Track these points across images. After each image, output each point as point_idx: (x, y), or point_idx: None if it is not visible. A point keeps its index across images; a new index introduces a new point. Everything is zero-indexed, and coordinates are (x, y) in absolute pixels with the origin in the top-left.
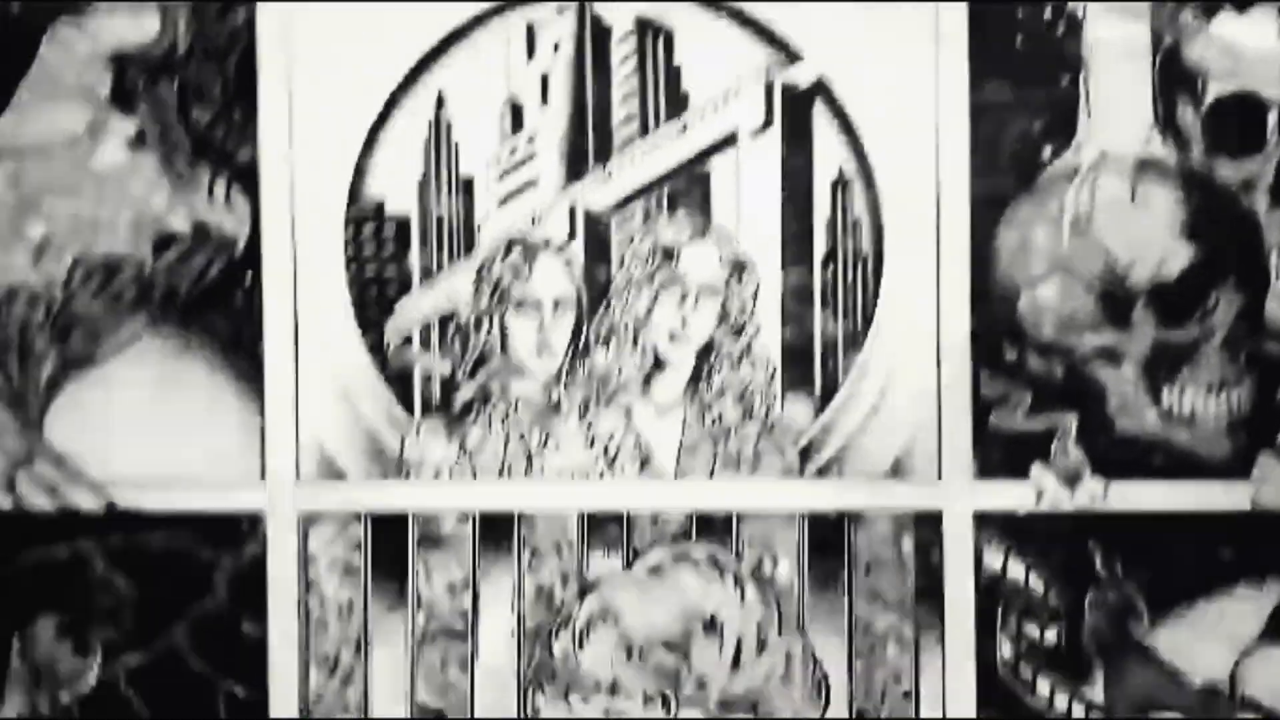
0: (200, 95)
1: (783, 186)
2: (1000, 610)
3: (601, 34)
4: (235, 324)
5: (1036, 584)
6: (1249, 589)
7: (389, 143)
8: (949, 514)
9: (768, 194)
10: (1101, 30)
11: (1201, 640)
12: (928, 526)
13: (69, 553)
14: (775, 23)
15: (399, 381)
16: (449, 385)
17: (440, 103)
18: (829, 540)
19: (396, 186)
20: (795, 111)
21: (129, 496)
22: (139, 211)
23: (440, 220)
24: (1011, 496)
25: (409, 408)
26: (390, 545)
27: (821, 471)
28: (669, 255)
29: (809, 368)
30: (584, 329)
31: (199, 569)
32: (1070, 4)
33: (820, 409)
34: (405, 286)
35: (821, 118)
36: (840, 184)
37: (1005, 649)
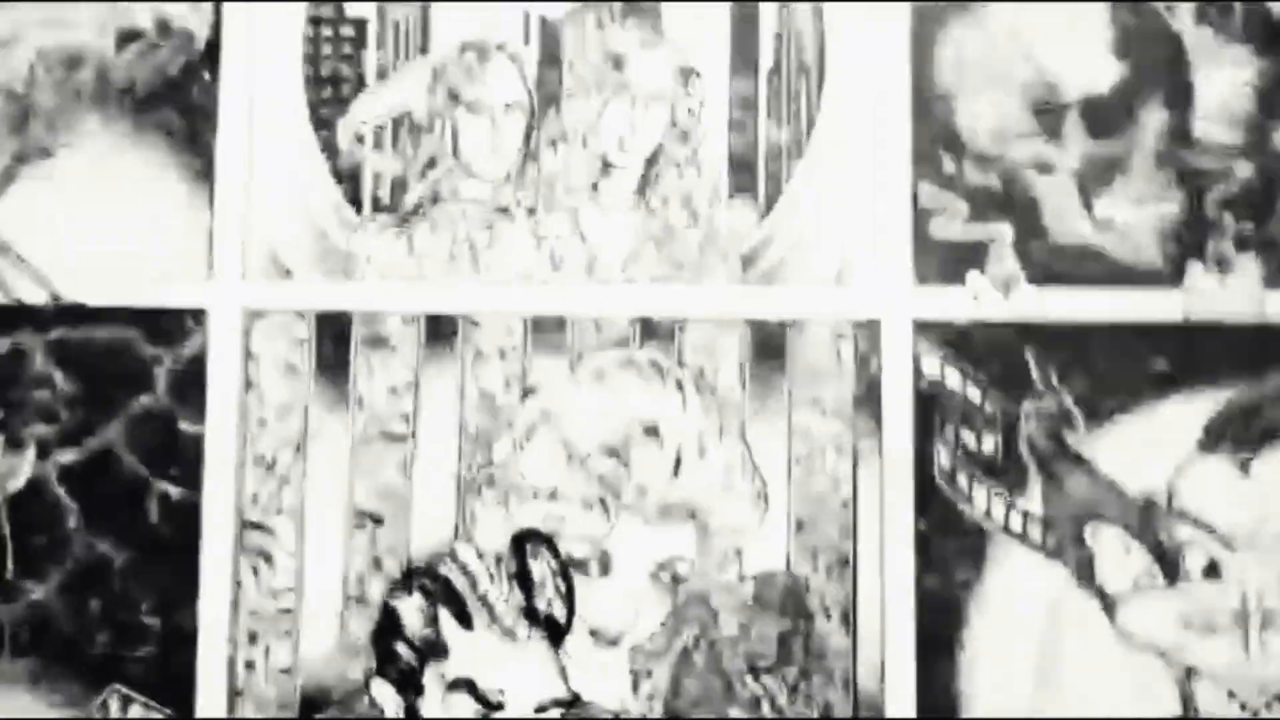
0: None
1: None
2: (938, 419)
3: None
4: (190, 120)
5: (974, 392)
6: (1183, 399)
7: None
8: (888, 322)
9: (717, 6)
10: None
11: (1138, 450)
12: (867, 334)
13: (8, 346)
14: None
15: (349, 181)
16: (399, 185)
17: None
18: (770, 347)
19: None
20: None
21: (74, 290)
22: (104, 5)
23: (397, 23)
24: (949, 305)
25: (358, 207)
26: (334, 345)
27: (764, 278)
28: (619, 63)
29: (753, 175)
30: (534, 133)
31: (139, 365)
32: None
33: (763, 216)
34: (360, 86)
35: None
36: None
37: (943, 457)
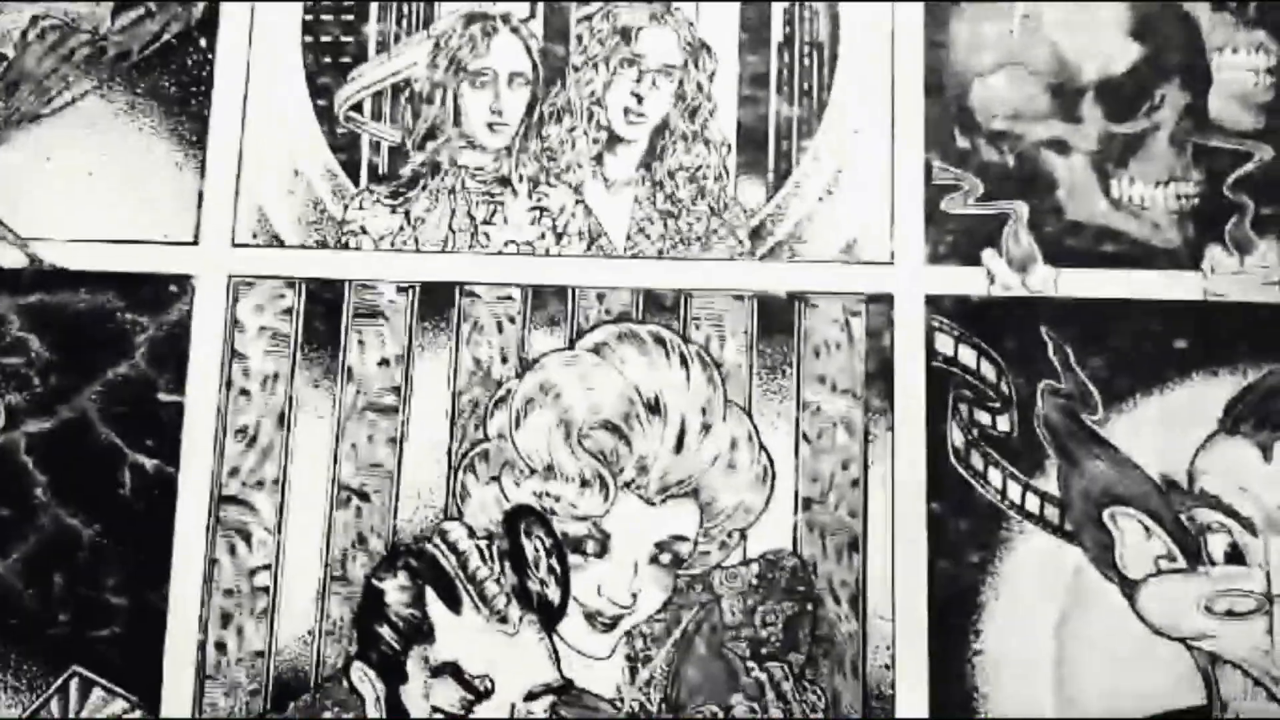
0: None
1: None
2: (951, 397)
3: None
4: (184, 87)
5: (988, 371)
6: (1203, 380)
7: None
8: (900, 297)
9: None
10: None
11: (1157, 432)
12: (879, 309)
13: None
14: None
15: (346, 150)
16: (397, 155)
17: None
18: (778, 322)
19: None
20: None
21: (56, 255)
22: None
23: None
24: (963, 282)
25: (355, 177)
26: (324, 315)
27: (773, 252)
28: (627, 36)
29: (763, 151)
30: (539, 104)
31: (119, 331)
32: None
33: (773, 192)
34: (361, 56)
35: None
36: None
37: (957, 437)
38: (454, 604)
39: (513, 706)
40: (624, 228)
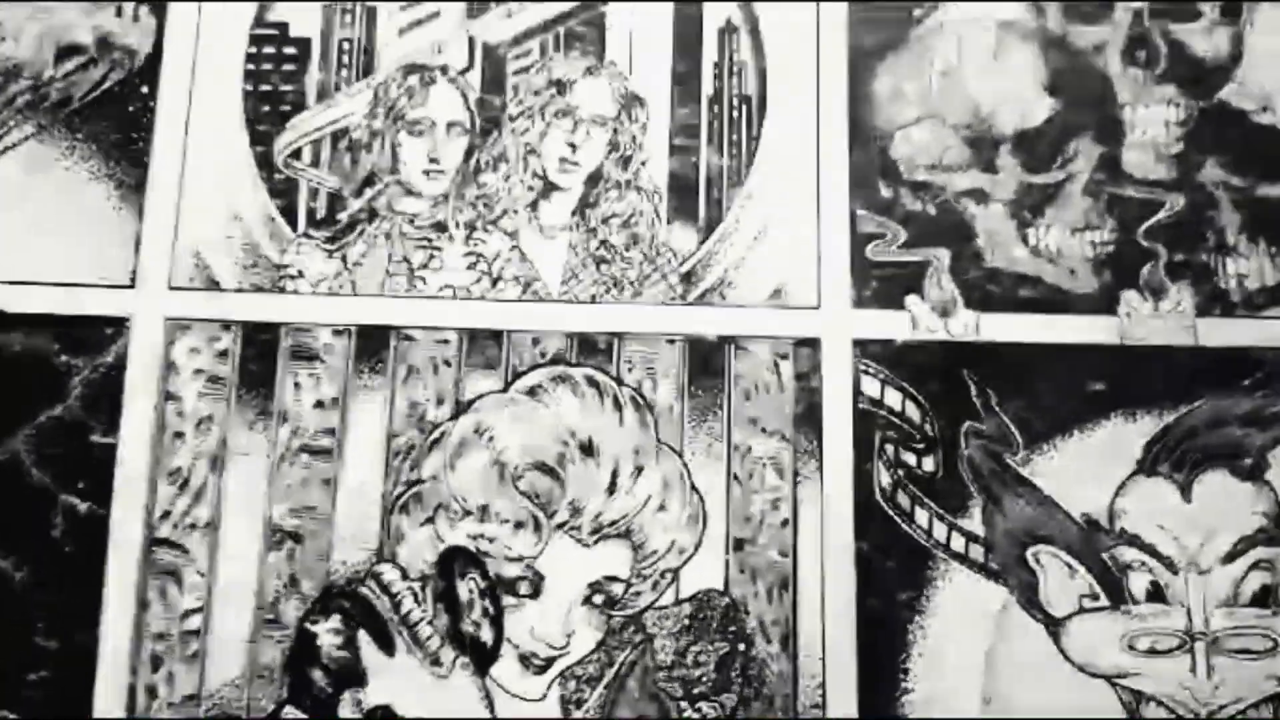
0: None
1: (674, 31)
2: (878, 438)
3: None
4: (125, 132)
5: (913, 412)
6: (1122, 421)
7: None
8: (827, 341)
9: (659, 37)
10: None
11: (1078, 472)
12: (807, 353)
13: None
14: None
15: (284, 195)
16: (335, 201)
17: None
18: (709, 365)
19: (302, 10)
20: None
21: None
22: (47, 24)
23: (341, 44)
24: (888, 327)
25: (292, 222)
26: (259, 358)
27: (704, 297)
28: (562, 88)
29: (694, 199)
30: (476, 153)
31: (53, 374)
32: None
33: (704, 238)
34: (301, 105)
35: None
36: (728, 31)
37: (883, 477)
38: (387, 646)
39: None
40: (558, 273)
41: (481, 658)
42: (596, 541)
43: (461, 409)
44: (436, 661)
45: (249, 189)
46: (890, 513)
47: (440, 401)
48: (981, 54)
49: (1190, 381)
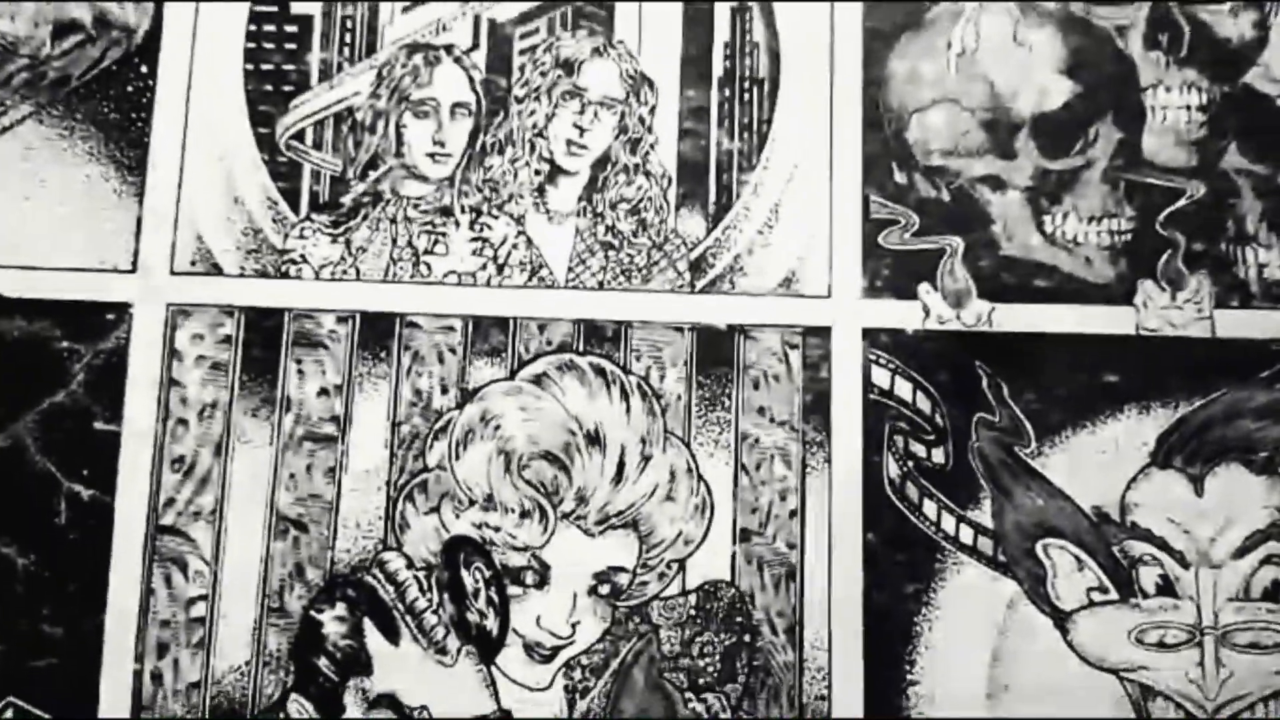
0: None
1: (685, 10)
2: (887, 430)
3: None
4: (124, 113)
5: (924, 404)
6: (1136, 413)
7: None
8: (838, 330)
9: (669, 16)
10: None
11: (1090, 465)
12: (817, 342)
13: None
14: None
15: (288, 178)
16: (339, 184)
17: None
18: (717, 354)
19: None
20: None
21: None
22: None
23: (344, 21)
24: (899, 316)
25: (295, 205)
26: (263, 344)
27: (713, 284)
28: (570, 69)
29: (703, 184)
30: (481, 135)
31: (55, 360)
32: None
33: (713, 225)
34: (303, 84)
35: None
36: (740, 10)
37: (892, 469)
38: (392, 635)
39: None
40: (565, 259)
41: (486, 647)
42: (603, 531)
43: (467, 397)
44: (442, 650)
45: (250, 171)
46: (899, 505)
47: (445, 389)
48: (1000, 35)
49: (1206, 374)
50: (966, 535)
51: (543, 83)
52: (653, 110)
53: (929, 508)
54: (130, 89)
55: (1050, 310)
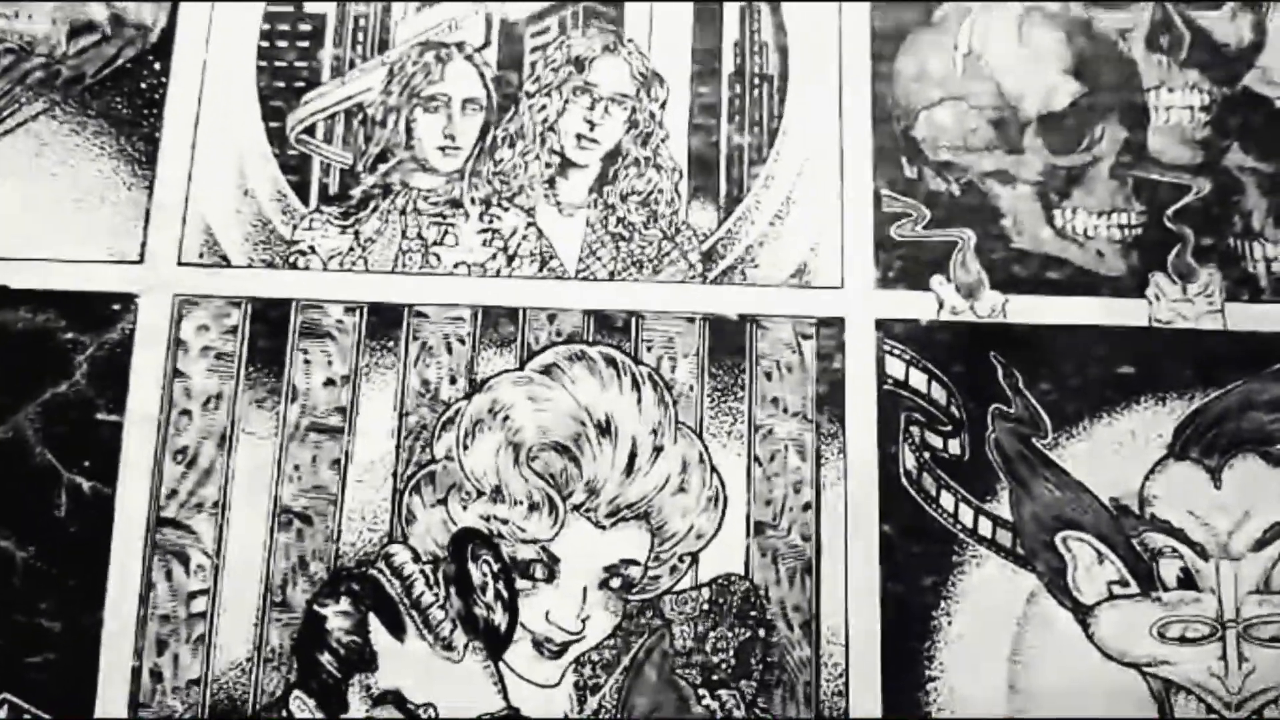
0: None
1: (694, 7)
2: (903, 420)
3: None
4: (137, 108)
5: (939, 394)
6: (1152, 405)
7: None
8: (851, 320)
9: (679, 13)
10: None
11: (1108, 456)
12: (830, 332)
13: None
14: None
15: (297, 171)
16: (348, 177)
17: None
18: (730, 345)
19: None
20: None
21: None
22: (61, 1)
23: (357, 19)
24: (912, 306)
25: (305, 197)
26: (270, 335)
27: (725, 275)
28: (580, 66)
29: (714, 176)
30: (491, 129)
31: (59, 350)
32: None
33: (725, 216)
34: (315, 81)
35: None
36: (749, 7)
37: (908, 460)
38: (398, 630)
39: None
40: (576, 251)
41: (494, 642)
42: (613, 524)
43: (476, 388)
44: (449, 646)
45: (261, 164)
46: (916, 496)
47: (454, 380)
48: (1006, 36)
49: (1220, 366)
50: (985, 528)
51: (554, 79)
52: (663, 106)
53: (946, 499)
54: (144, 85)
55: (1063, 302)
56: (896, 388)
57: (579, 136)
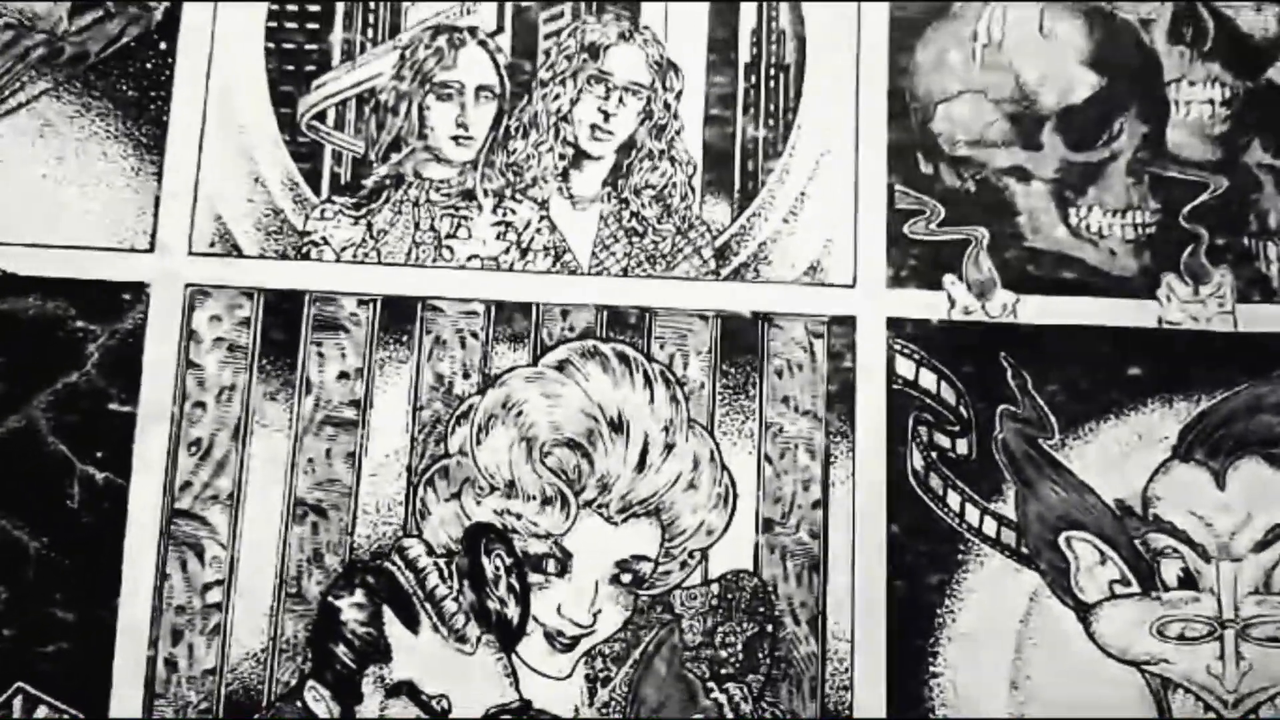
0: None
1: None
2: (912, 420)
3: None
4: (143, 90)
5: (948, 394)
6: (1159, 406)
7: None
8: (862, 319)
9: (696, 3)
10: None
11: (1113, 457)
12: (842, 331)
13: None
14: None
15: (309, 159)
16: (361, 166)
17: None
18: (742, 342)
19: None
20: None
21: (6, 260)
22: None
23: (367, 1)
24: (924, 306)
25: (316, 187)
26: (283, 326)
27: (737, 272)
28: (595, 53)
29: (729, 170)
30: (505, 119)
31: (70, 340)
32: None
33: (739, 212)
34: (325, 65)
35: None
36: None
37: (916, 459)
38: (411, 623)
39: None
40: (589, 245)
41: (507, 635)
42: (625, 520)
43: (489, 383)
44: (461, 638)
45: (271, 152)
46: (923, 495)
47: (467, 374)
48: (1026, 27)
49: (1229, 368)
50: (990, 527)
51: (568, 67)
52: (679, 96)
53: (953, 499)
54: (149, 66)
55: (1074, 302)
56: (906, 387)
57: (593, 127)
